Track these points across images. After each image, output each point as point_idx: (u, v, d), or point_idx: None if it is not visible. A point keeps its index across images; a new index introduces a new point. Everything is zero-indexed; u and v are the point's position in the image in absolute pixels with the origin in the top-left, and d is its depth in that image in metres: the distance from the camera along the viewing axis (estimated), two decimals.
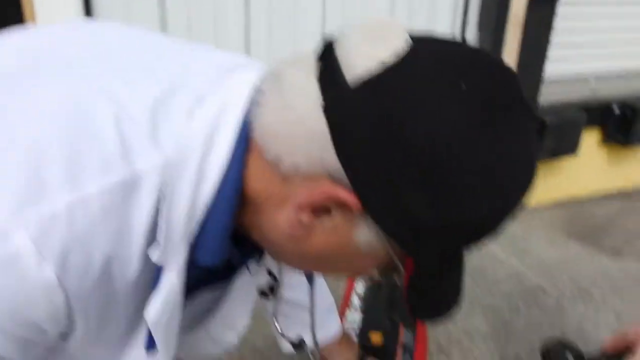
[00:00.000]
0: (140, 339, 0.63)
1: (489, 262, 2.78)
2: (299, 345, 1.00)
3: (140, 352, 0.63)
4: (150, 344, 0.62)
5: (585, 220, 3.24)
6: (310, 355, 1.12)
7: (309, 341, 1.01)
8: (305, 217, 0.56)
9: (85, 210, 0.50)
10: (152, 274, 0.57)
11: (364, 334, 1.57)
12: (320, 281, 1.08)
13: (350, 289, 1.88)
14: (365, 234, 0.56)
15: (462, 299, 0.65)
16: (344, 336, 1.21)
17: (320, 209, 0.55)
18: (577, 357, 1.12)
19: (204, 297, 0.79)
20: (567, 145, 3.11)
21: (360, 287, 1.87)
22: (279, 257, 0.67)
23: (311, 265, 0.65)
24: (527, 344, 2.24)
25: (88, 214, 0.50)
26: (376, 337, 1.58)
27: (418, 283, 0.59)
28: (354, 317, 1.71)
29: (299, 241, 0.58)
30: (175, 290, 0.58)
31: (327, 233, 0.57)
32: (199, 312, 0.81)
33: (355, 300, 1.80)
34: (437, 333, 2.29)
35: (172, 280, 0.57)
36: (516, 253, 2.87)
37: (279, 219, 0.58)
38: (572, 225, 3.18)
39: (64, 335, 0.56)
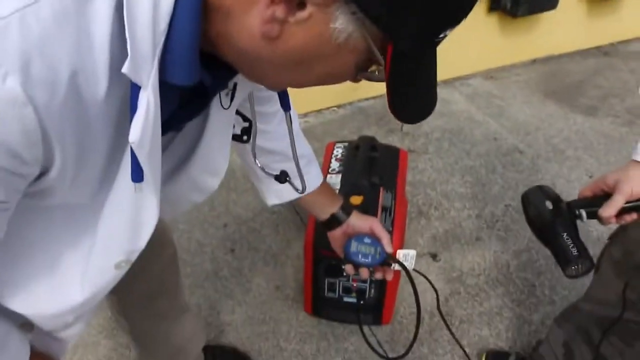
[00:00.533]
0: (125, 173, 0.64)
1: (466, 124, 2.77)
2: (281, 176, 0.99)
3: (126, 186, 0.63)
4: (136, 176, 0.61)
5: (561, 79, 3.22)
6: (295, 208, 1.12)
7: (291, 172, 1.00)
8: (279, 10, 0.54)
9: (36, 15, 0.50)
10: (126, 98, 0.57)
11: (345, 197, 1.58)
12: (297, 131, 1.06)
13: (329, 153, 1.86)
14: (341, 22, 0.54)
15: (436, 100, 0.65)
16: (327, 187, 1.20)
17: (294, 3, 0.53)
18: (555, 200, 1.14)
19: (181, 137, 0.80)
20: (547, 0, 3.01)
21: (339, 151, 1.86)
22: (252, 72, 0.65)
23: (288, 75, 0.63)
24: (502, 203, 2.30)
25: (40, 20, 0.50)
26: (356, 200, 1.59)
27: (397, 76, 0.59)
28: (334, 181, 1.71)
29: (273, 43, 0.57)
30: (153, 110, 0.57)
31: (303, 29, 0.55)
32: (178, 157, 0.83)
33: (335, 165, 1.79)
34: (416, 198, 2.32)
35: (149, 100, 0.56)
36: (492, 114, 2.86)
37: (250, 22, 0.56)
38: (549, 84, 3.16)
39: (44, 169, 0.56)
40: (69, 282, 0.72)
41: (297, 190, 1.00)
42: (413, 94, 0.61)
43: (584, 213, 1.11)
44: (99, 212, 0.66)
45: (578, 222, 1.12)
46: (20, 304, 0.73)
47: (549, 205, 1.13)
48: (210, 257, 2.06)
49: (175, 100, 0.65)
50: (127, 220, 0.67)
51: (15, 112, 0.49)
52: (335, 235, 1.18)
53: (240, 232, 2.15)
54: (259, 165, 0.98)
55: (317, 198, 1.17)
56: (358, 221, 1.17)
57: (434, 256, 2.06)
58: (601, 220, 1.11)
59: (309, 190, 1.13)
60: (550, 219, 1.11)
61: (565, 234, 1.09)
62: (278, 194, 1.14)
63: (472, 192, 2.36)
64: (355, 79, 0.62)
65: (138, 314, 1.32)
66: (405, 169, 1.84)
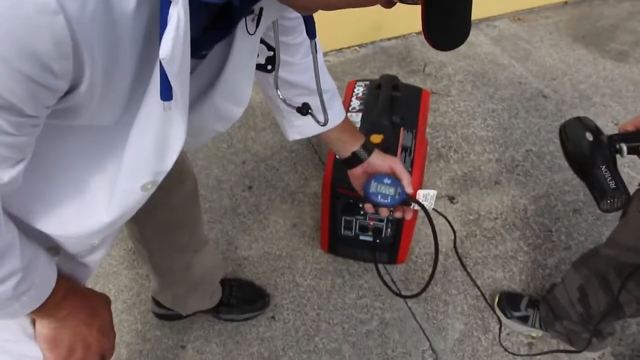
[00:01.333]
0: (154, 91, 0.61)
1: (490, 67, 2.72)
2: (303, 108, 0.99)
3: (155, 105, 0.62)
4: (165, 94, 0.60)
5: (593, 22, 3.12)
6: (312, 143, 1.12)
7: (314, 105, 0.99)
8: None
9: None
10: (155, 13, 0.57)
11: (365, 136, 1.57)
12: (321, 63, 1.04)
13: (350, 91, 1.85)
14: None
15: (470, 28, 0.64)
16: (349, 124, 1.20)
17: None
18: (596, 132, 1.10)
19: (206, 64, 0.79)
20: None
21: (360, 90, 1.84)
22: None
23: None
24: (523, 148, 2.28)
25: None
26: (376, 139, 1.59)
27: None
28: (355, 119, 1.70)
29: None
30: (183, 27, 0.56)
31: None
32: (202, 84, 0.82)
33: (356, 103, 1.78)
34: (436, 140, 2.31)
35: (179, 15, 0.55)
36: (518, 58, 2.80)
37: None
38: (579, 28, 3.07)
39: (73, 85, 0.56)
40: (96, 203, 0.73)
41: (319, 123, 0.99)
42: (447, 19, 0.60)
43: (624, 147, 1.07)
44: (127, 132, 0.66)
45: (617, 157, 1.08)
46: (49, 225, 0.75)
47: (589, 136, 1.08)
48: (228, 193, 2.08)
49: (205, 19, 0.64)
50: (154, 140, 0.67)
51: (47, 21, 0.48)
52: (356, 174, 1.19)
53: (258, 170, 2.17)
54: (281, 97, 0.98)
55: (339, 135, 1.16)
56: (379, 160, 1.16)
57: (451, 199, 2.06)
58: None
59: (331, 124, 1.12)
60: (590, 151, 1.07)
61: (603, 166, 1.05)
62: (300, 129, 1.14)
63: (493, 136, 2.34)
64: (389, 2, 0.60)
65: (158, 243, 1.35)
66: (427, 110, 1.82)
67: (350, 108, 1.77)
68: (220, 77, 0.80)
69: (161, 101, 0.61)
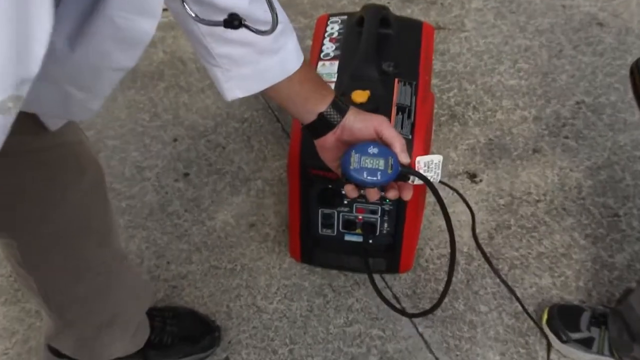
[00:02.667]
0: None
1: None
2: (232, 20, 0.96)
3: None
4: None
5: None
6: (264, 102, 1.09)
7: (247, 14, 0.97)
8: None
9: None
10: None
11: (344, 95, 1.56)
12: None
13: (320, 31, 1.83)
14: None
15: None
16: (312, 75, 1.17)
17: None
18: None
19: None
20: None
21: (335, 28, 1.82)
22: None
23: None
24: (572, 100, 2.28)
25: None
26: (360, 96, 1.57)
27: None
28: (328, 70, 1.69)
29: None
30: None
31: None
32: None
33: (329, 48, 1.77)
34: (446, 95, 2.31)
35: None
36: None
37: None
38: None
39: None
40: None
41: (261, 32, 0.96)
42: None
43: None
44: None
45: None
46: None
47: None
48: (154, 185, 2.07)
49: None
50: (5, 30, 0.63)
51: None
52: (327, 145, 1.17)
53: (196, 149, 2.15)
54: (193, 13, 0.94)
55: (297, 89, 1.14)
56: (357, 122, 1.15)
57: (472, 176, 2.06)
58: None
59: (284, 68, 1.11)
60: None
61: None
62: (240, 81, 1.11)
63: (528, 84, 2.34)
64: None
65: (49, 264, 1.33)
66: (431, 52, 1.81)
67: (321, 55, 1.75)
68: None
69: None
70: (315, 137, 1.18)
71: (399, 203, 1.62)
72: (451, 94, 2.31)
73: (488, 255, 1.87)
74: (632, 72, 1.16)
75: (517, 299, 1.79)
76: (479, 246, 1.32)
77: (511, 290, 1.80)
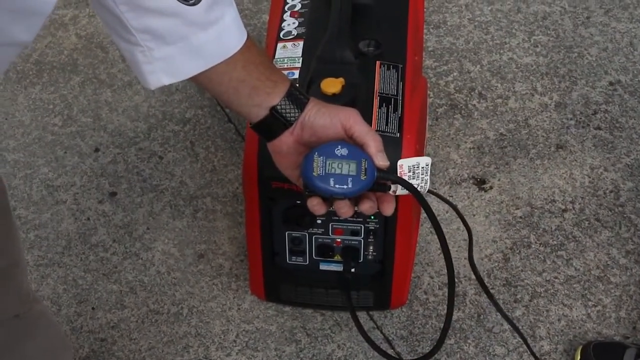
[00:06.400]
0: None
1: None
2: None
3: None
4: None
5: None
6: None
7: None
8: None
9: None
10: None
11: (312, 83, 1.57)
12: None
13: (279, 4, 1.85)
14: None
15: None
16: (259, 57, 1.18)
17: None
18: None
19: None
20: None
21: None
22: None
23: None
24: (603, 80, 2.30)
25: None
26: (331, 86, 1.58)
27: None
28: (290, 53, 1.71)
29: None
30: None
31: None
32: None
33: (291, 25, 1.79)
34: (444, 80, 2.32)
35: None
36: None
37: None
38: None
39: None
40: None
41: (188, 1, 0.98)
42: None
43: None
44: None
45: None
46: None
47: None
48: (71, 209, 2.07)
49: None
50: None
51: None
52: (283, 148, 1.19)
53: (124, 161, 2.16)
54: None
55: (241, 76, 1.14)
56: (320, 117, 1.16)
57: (480, 182, 2.09)
58: None
59: (221, 52, 1.11)
60: None
61: None
62: (167, 62, 1.10)
63: (548, 62, 2.37)
64: None
65: None
66: (422, 26, 1.82)
67: (281, 34, 1.77)
68: None
69: None
70: (268, 138, 1.19)
71: (387, 220, 1.63)
72: (450, 78, 2.33)
73: (502, 281, 1.89)
74: None
75: (542, 336, 1.81)
76: (474, 271, 1.32)
77: (522, 337, 1.69)
